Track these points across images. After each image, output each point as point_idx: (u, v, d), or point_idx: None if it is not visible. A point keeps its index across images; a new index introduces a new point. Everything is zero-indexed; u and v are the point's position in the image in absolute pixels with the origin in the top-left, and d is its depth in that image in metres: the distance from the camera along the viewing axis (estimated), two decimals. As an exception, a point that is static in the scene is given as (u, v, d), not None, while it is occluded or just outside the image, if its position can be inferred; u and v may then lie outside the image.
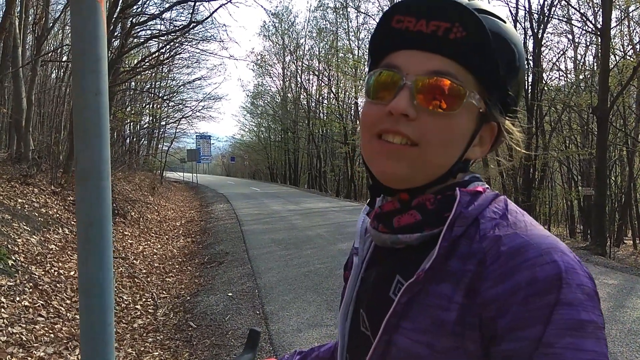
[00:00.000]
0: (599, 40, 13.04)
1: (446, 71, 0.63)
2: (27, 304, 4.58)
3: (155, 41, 16.25)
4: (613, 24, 13.20)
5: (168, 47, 16.29)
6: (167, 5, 14.12)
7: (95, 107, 0.95)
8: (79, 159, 0.95)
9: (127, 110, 21.38)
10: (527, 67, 17.47)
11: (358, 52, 27.95)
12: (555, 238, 0.60)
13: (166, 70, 24.70)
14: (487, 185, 0.70)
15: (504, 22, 0.68)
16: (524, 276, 0.55)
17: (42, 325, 4.28)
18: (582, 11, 17.20)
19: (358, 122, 0.74)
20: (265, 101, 41.40)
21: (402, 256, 0.68)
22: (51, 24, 14.13)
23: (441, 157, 0.65)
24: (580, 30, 18.41)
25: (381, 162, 0.65)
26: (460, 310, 0.58)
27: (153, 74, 22.71)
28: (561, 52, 21.14)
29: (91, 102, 0.95)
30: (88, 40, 0.93)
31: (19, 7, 11.57)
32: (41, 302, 4.75)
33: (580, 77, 20.01)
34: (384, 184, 0.67)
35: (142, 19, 14.00)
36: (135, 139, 25.79)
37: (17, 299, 4.58)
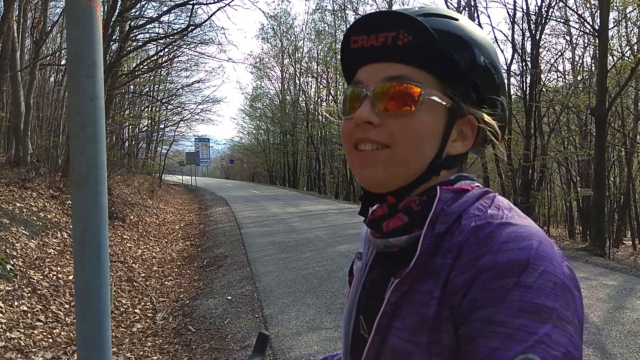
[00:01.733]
0: (597, 41, 13.07)
1: (399, 75, 0.67)
2: (25, 308, 4.57)
3: (154, 44, 16.24)
4: (611, 25, 13.25)
5: (166, 50, 16.30)
6: (165, 8, 14.13)
7: (91, 112, 0.95)
8: (75, 164, 0.95)
9: (126, 113, 21.35)
10: (525, 68, 17.52)
11: (356, 54, 27.88)
12: (534, 228, 0.60)
13: (165, 74, 24.69)
14: (477, 184, 0.71)
15: (456, 19, 0.71)
16: (487, 260, 0.56)
17: (40, 330, 4.27)
18: (579, 12, 17.25)
19: None
20: (264, 104, 41.48)
21: (395, 259, 0.70)
22: (49, 28, 14.12)
23: (413, 155, 0.67)
24: (578, 31, 18.44)
25: (359, 171, 0.69)
26: (438, 304, 0.59)
27: (151, 77, 22.75)
28: (559, 54, 21.08)
29: (87, 107, 0.94)
30: (84, 46, 0.93)
31: (17, 11, 11.57)
32: (40, 306, 4.73)
33: (579, 78, 20.04)
34: (369, 190, 0.72)
35: (140, 23, 14.03)
36: (134, 142, 25.76)
37: (16, 303, 4.56)
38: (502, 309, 0.52)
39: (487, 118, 0.72)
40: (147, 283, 6.60)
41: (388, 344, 0.63)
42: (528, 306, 0.52)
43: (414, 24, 0.65)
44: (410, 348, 0.61)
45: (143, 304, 5.73)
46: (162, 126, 29.53)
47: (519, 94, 18.51)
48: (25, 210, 7.28)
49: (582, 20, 16.02)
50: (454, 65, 0.67)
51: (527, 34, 17.27)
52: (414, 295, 0.62)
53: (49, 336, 4.22)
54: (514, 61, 18.64)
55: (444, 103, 0.68)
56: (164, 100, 25.87)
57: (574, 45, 20.70)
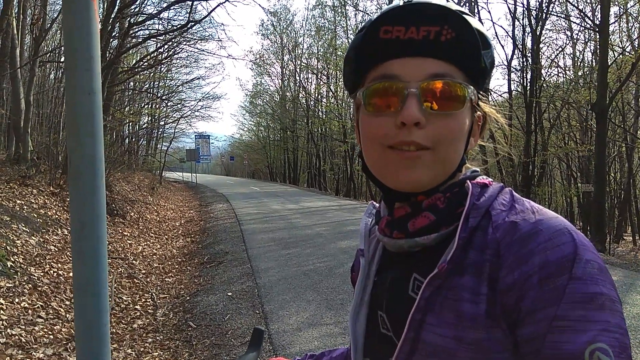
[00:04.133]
0: (598, 37, 13.05)
1: (444, 72, 0.64)
2: (26, 305, 4.58)
3: (154, 41, 16.22)
4: (611, 20, 13.21)
5: (166, 46, 16.28)
6: (165, 4, 14.13)
7: (88, 106, 0.94)
8: (72, 158, 0.94)
9: (126, 110, 21.34)
10: (526, 63, 17.49)
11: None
12: (562, 219, 0.62)
13: (165, 70, 24.65)
14: (490, 178, 0.72)
15: (474, 18, 0.70)
16: (537, 260, 0.57)
17: (41, 327, 4.28)
18: (580, 7, 17.21)
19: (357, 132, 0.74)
20: (264, 100, 41.38)
21: (416, 257, 0.69)
22: (49, 25, 14.09)
23: (453, 154, 0.67)
24: (579, 26, 18.42)
25: (401, 172, 0.65)
26: (487, 301, 0.59)
27: (151, 74, 22.69)
28: (560, 49, 21.01)
29: (84, 101, 0.94)
30: (80, 39, 0.93)
31: (16, 8, 11.55)
32: (40, 303, 4.74)
33: (579, 73, 19.98)
34: (403, 191, 0.68)
35: (140, 19, 13.98)
36: (134, 139, 25.74)
37: (16, 300, 4.57)
38: (561, 306, 0.55)
39: (492, 112, 0.73)
40: (148, 279, 6.61)
41: (422, 339, 0.63)
42: (582, 297, 0.54)
43: (459, 20, 0.64)
44: (448, 344, 0.60)
45: (144, 300, 5.74)
46: (162, 123, 29.55)
47: (519, 90, 18.51)
48: (25, 207, 7.28)
49: (583, 16, 15.99)
50: (482, 64, 0.67)
51: (528, 29, 17.25)
52: (449, 290, 0.62)
53: (50, 332, 4.23)
54: (515, 57, 18.64)
55: (474, 102, 0.68)
56: (164, 97, 25.84)
57: (575, 40, 20.67)
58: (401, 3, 0.66)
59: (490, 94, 18.72)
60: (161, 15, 14.28)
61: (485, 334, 0.59)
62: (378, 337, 0.72)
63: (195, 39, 16.94)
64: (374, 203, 0.85)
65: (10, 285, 4.76)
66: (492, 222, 0.63)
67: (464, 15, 0.66)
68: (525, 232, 0.60)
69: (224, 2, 11.74)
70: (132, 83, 21.27)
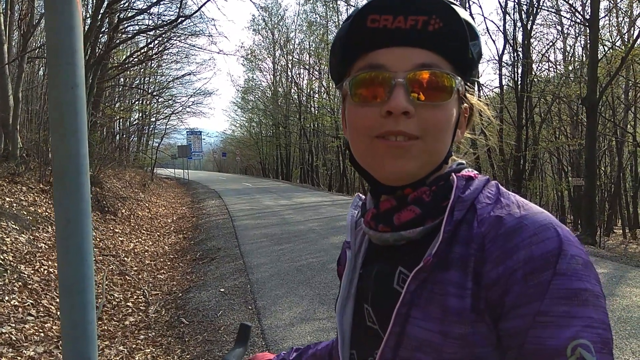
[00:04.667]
0: (588, 31, 13.11)
1: (431, 63, 0.64)
2: (16, 303, 4.54)
3: (144, 36, 16.08)
4: (601, 14, 13.27)
5: (156, 42, 16.17)
6: (154, -1, 13.96)
7: (71, 101, 0.93)
8: (55, 154, 0.93)
9: (116, 106, 21.19)
10: (517, 58, 17.57)
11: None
12: (547, 214, 0.61)
13: (155, 66, 24.51)
14: (476, 171, 0.72)
15: (462, 8, 0.70)
16: (522, 255, 0.57)
17: (31, 325, 4.25)
18: (570, 2, 17.28)
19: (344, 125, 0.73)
20: (256, 96, 41.26)
21: (402, 250, 0.68)
22: (37, 20, 13.92)
23: (441, 145, 0.66)
24: (569, 21, 18.50)
25: (389, 162, 0.64)
26: (472, 296, 0.59)
27: (142, 70, 22.57)
28: (550, 44, 21.14)
29: (67, 95, 0.93)
30: (63, 33, 0.91)
31: (4, 4, 11.40)
32: (31, 301, 4.71)
33: (570, 68, 20.12)
34: (390, 183, 0.67)
35: (129, 14, 13.86)
36: (124, 136, 25.58)
37: (6, 298, 4.53)
38: (545, 301, 0.55)
39: (478, 104, 0.73)
40: (140, 276, 6.58)
41: (407, 334, 0.62)
42: (567, 293, 0.55)
43: (447, 10, 0.63)
44: (435, 339, 0.60)
45: (135, 297, 5.71)
46: (153, 119, 29.36)
47: (510, 84, 18.57)
48: (15, 204, 7.21)
49: (574, 10, 16.05)
50: (469, 55, 0.67)
51: (519, 24, 17.31)
52: (434, 284, 0.62)
53: (41, 330, 4.20)
54: (506, 51, 18.69)
55: (461, 93, 0.68)
56: (154, 93, 25.70)
57: (565, 35, 20.79)
58: None
59: (482, 88, 18.78)
60: (151, 11, 14.18)
61: (471, 328, 0.59)
62: (364, 330, 0.71)
63: (185, 34, 16.89)
64: (360, 195, 0.85)
65: (0, 283, 4.71)
66: (477, 216, 0.62)
67: (452, 5, 0.65)
68: (510, 226, 0.59)
69: (215, -3, 11.62)
70: (122, 79, 21.08)
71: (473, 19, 0.72)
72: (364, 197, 0.83)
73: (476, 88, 0.76)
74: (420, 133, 0.63)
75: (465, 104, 0.71)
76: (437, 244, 0.61)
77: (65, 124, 0.92)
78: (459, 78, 0.66)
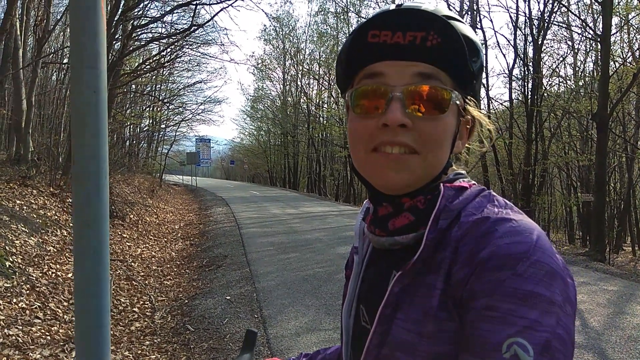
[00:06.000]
0: (599, 47, 13.07)
1: (430, 73, 0.66)
2: (24, 305, 4.56)
3: (156, 44, 16.25)
4: (613, 30, 13.22)
5: (169, 50, 16.30)
6: (168, 8, 14.12)
7: (94, 104, 0.94)
8: (76, 156, 0.94)
9: (127, 112, 21.37)
10: (527, 72, 17.54)
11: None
12: (528, 222, 0.62)
13: (167, 73, 24.66)
14: (473, 182, 0.73)
15: (464, 23, 0.72)
16: (485, 253, 0.58)
17: (38, 327, 4.26)
18: (582, 17, 17.26)
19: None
20: (265, 105, 41.40)
21: (398, 255, 0.71)
22: (52, 26, 14.15)
23: (438, 158, 0.69)
24: (580, 36, 18.46)
25: (383, 174, 0.67)
26: (441, 295, 0.61)
27: (153, 77, 22.75)
28: (561, 59, 21.02)
29: (89, 99, 0.94)
30: (87, 36, 0.93)
31: (20, 9, 11.58)
32: (38, 304, 4.72)
33: (580, 83, 20.02)
34: (387, 193, 0.70)
35: (143, 22, 14.01)
36: (135, 142, 25.78)
37: (14, 300, 4.55)
38: (494, 297, 0.55)
39: (480, 116, 0.75)
40: (146, 282, 6.59)
41: (391, 334, 0.65)
42: (518, 293, 0.55)
43: (445, 26, 0.65)
44: (413, 339, 0.62)
45: (142, 302, 5.71)
46: (163, 126, 29.59)
47: (520, 99, 18.52)
48: (25, 207, 7.27)
49: (585, 26, 16.03)
50: (468, 69, 0.68)
51: (530, 38, 17.29)
52: (418, 288, 0.64)
53: (47, 333, 4.21)
54: (516, 65, 18.68)
55: (460, 105, 0.70)
56: (165, 100, 25.88)
57: (576, 50, 20.69)
58: (391, 8, 0.68)
59: (492, 102, 18.72)
60: (164, 19, 14.31)
61: (441, 326, 0.61)
62: (360, 330, 0.75)
63: (197, 43, 17.02)
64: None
65: (8, 285, 4.74)
66: (459, 223, 0.64)
67: (450, 21, 0.67)
68: (483, 229, 0.61)
69: (227, 7, 11.78)
70: (134, 85, 21.28)
71: (483, 31, 0.74)
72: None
73: (486, 100, 0.77)
74: (417, 145, 0.65)
75: (467, 116, 0.72)
76: (419, 250, 0.64)
77: (86, 127, 0.93)
78: (456, 92, 0.68)
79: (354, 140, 0.70)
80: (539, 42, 16.61)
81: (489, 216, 0.63)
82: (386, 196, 0.71)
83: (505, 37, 45.59)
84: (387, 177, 0.67)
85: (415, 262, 0.64)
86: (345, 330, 0.79)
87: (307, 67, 34.33)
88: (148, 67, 16.84)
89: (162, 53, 16.77)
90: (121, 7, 11.21)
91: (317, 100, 34.43)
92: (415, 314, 0.63)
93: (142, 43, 15.30)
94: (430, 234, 0.64)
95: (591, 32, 15.38)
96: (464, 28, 0.70)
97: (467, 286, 0.58)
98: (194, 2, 12.60)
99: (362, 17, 27.50)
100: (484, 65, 0.74)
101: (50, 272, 5.58)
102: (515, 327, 0.54)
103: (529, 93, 17.07)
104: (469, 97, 0.71)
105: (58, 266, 5.88)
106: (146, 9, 15.30)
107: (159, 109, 27.24)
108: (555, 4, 16.12)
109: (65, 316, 4.69)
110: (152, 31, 15.81)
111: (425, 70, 0.66)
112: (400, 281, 0.65)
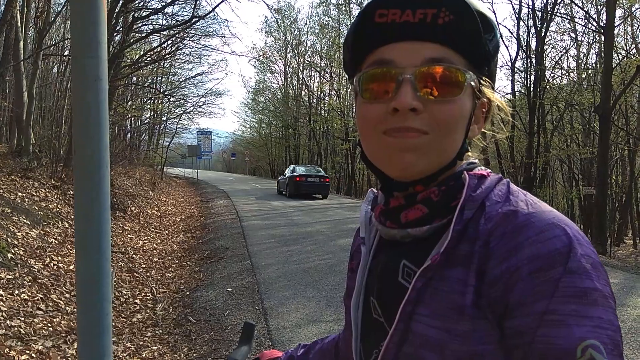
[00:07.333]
0: (602, 39, 13.00)
1: (441, 57, 0.62)
2: (26, 297, 4.58)
3: (157, 36, 16.18)
4: (616, 22, 13.14)
5: (170, 42, 16.25)
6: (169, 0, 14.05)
7: (94, 94, 0.93)
8: (77, 147, 0.93)
9: (128, 105, 21.33)
10: (529, 64, 17.47)
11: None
12: (556, 213, 0.60)
13: (168, 66, 24.60)
14: (489, 170, 0.70)
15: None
16: (526, 253, 0.55)
17: (40, 319, 4.27)
18: (585, 9, 17.15)
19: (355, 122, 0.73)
20: (267, 97, 41.35)
21: (408, 245, 0.68)
22: (53, 18, 14.08)
23: (451, 141, 0.65)
24: (583, 28, 18.37)
25: (397, 158, 0.64)
26: (475, 292, 0.58)
27: (154, 69, 22.69)
28: (564, 51, 20.93)
29: (90, 88, 0.93)
30: (88, 25, 0.92)
31: (20, 1, 11.53)
32: (40, 295, 4.74)
33: (583, 75, 19.95)
34: (400, 179, 0.67)
35: (144, 14, 13.96)
36: (136, 134, 25.77)
37: (16, 292, 4.57)
38: (553, 299, 0.53)
39: (496, 99, 0.71)
40: (148, 274, 6.61)
41: (412, 330, 0.62)
42: (575, 291, 0.53)
43: (457, 2, 0.62)
44: (441, 336, 0.59)
45: (143, 294, 5.73)
46: (164, 118, 29.55)
47: (522, 91, 18.48)
48: (26, 199, 7.28)
49: (588, 17, 15.94)
50: (484, 49, 0.65)
51: (533, 30, 17.20)
52: (441, 281, 0.61)
53: (49, 325, 4.23)
54: (519, 58, 18.62)
55: (475, 87, 0.66)
56: (166, 93, 25.84)
57: (579, 42, 20.61)
58: None
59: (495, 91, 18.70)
60: (165, 10, 14.27)
61: (473, 325, 0.58)
62: (371, 322, 0.71)
63: (199, 35, 16.97)
64: (374, 190, 0.84)
65: (10, 277, 4.75)
66: (485, 214, 0.61)
67: None
68: (516, 223, 0.58)
69: (228, -2, 11.67)
70: (134, 78, 21.22)
71: (493, 11, 0.70)
72: (377, 192, 0.82)
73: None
74: (429, 129, 0.62)
75: (483, 99, 0.69)
76: (446, 242, 0.61)
77: (88, 117, 0.92)
78: (471, 72, 0.64)
79: (363, 126, 0.67)
80: (542, 34, 16.54)
81: (518, 208, 0.60)
82: (398, 185, 0.68)
83: (508, 29, 45.31)
84: (400, 161, 0.63)
85: (440, 255, 0.61)
86: (354, 323, 0.75)
87: (309, 60, 34.25)
88: (149, 59, 16.81)
89: (163, 45, 16.72)
90: (122, -2, 11.16)
91: (319, 93, 34.37)
92: (440, 310, 0.60)
93: (142, 35, 15.24)
94: (457, 225, 0.61)
95: (594, 23, 15.30)
96: (477, 3, 0.65)
97: (513, 289, 0.55)
98: (195, -6, 12.54)
99: (364, 9, 27.36)
100: (499, 44, 0.68)
101: (52, 264, 5.60)
102: (584, 329, 0.51)
103: (532, 85, 17.03)
104: (484, 78, 0.67)
105: (60, 258, 5.89)
106: (147, 0, 15.26)
107: (160, 102, 27.22)
108: (559, -4, 16.03)
109: (67, 307, 4.71)
110: (153, 23, 15.76)
111: (436, 52, 0.62)
112: (424, 275, 0.62)
